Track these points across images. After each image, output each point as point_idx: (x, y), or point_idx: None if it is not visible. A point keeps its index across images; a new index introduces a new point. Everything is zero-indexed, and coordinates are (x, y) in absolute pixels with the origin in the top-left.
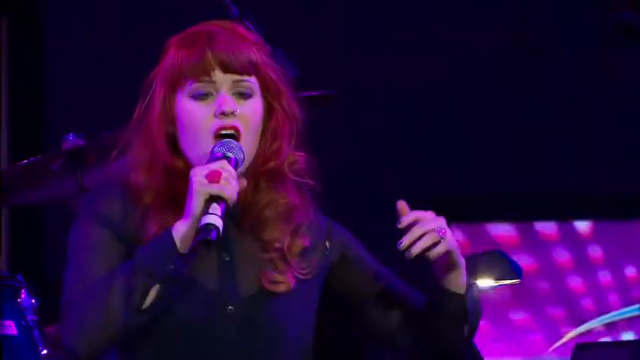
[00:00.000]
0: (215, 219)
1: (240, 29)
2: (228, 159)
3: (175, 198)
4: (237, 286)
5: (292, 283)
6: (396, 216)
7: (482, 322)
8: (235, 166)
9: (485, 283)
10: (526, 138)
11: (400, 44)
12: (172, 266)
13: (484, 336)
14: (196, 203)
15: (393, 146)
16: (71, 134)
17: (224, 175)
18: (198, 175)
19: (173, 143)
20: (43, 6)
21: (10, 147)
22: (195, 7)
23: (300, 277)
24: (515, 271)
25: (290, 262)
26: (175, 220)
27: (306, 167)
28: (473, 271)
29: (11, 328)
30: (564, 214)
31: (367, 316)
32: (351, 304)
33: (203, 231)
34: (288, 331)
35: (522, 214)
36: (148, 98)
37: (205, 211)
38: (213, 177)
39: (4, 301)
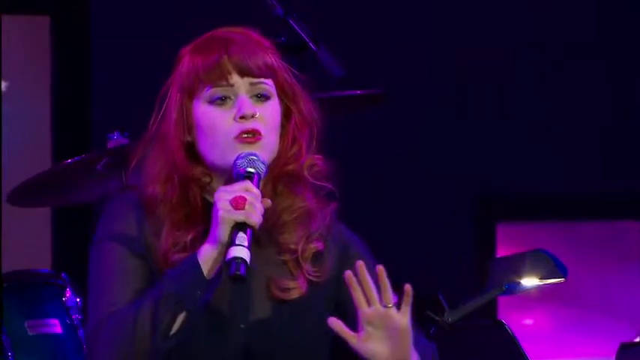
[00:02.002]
0: (242, 251)
1: (254, 35)
2: (251, 176)
3: (189, 213)
4: (248, 301)
5: (304, 288)
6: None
7: (534, 321)
8: (258, 182)
9: (529, 282)
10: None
11: (436, 41)
12: (199, 293)
13: (536, 335)
14: (223, 231)
15: (432, 144)
16: (116, 133)
17: (249, 199)
18: (223, 201)
19: (190, 152)
20: (86, 4)
21: (55, 146)
22: (241, 6)
23: (312, 279)
24: (560, 270)
25: (302, 265)
26: (188, 236)
27: (325, 170)
28: (517, 271)
29: (56, 326)
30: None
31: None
32: (352, 317)
33: (232, 265)
34: (302, 340)
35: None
36: (163, 108)
37: (232, 241)
38: (238, 203)
39: (49, 299)
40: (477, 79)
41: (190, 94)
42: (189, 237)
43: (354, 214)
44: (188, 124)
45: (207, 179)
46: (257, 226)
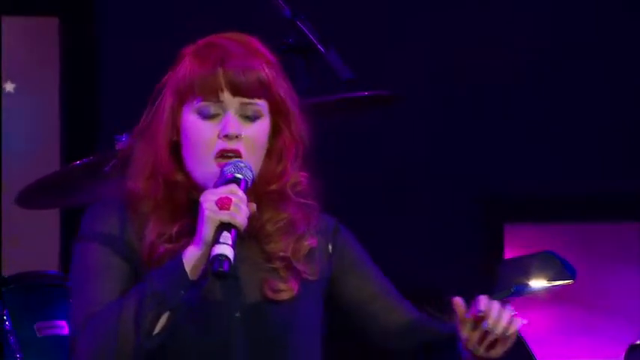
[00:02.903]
0: (226, 249)
1: (255, 43)
2: (238, 181)
3: (174, 209)
4: (241, 294)
5: (296, 289)
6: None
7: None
8: (245, 188)
9: (537, 284)
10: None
11: (444, 42)
12: (183, 293)
13: (538, 337)
14: (207, 231)
15: (441, 145)
16: (124, 134)
17: (234, 200)
18: (209, 202)
19: (176, 152)
20: (94, 5)
21: (63, 147)
22: (249, 8)
23: (307, 278)
24: (568, 271)
25: (295, 267)
26: (174, 229)
27: (308, 188)
28: (525, 272)
29: (64, 328)
30: None
31: (365, 321)
32: (349, 308)
33: (215, 262)
34: (295, 335)
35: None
36: (156, 105)
37: (216, 240)
38: (224, 204)
39: (56, 301)
40: (481, 79)
41: (182, 99)
42: (175, 229)
43: (359, 216)
44: (177, 126)
45: (188, 178)
46: (242, 228)
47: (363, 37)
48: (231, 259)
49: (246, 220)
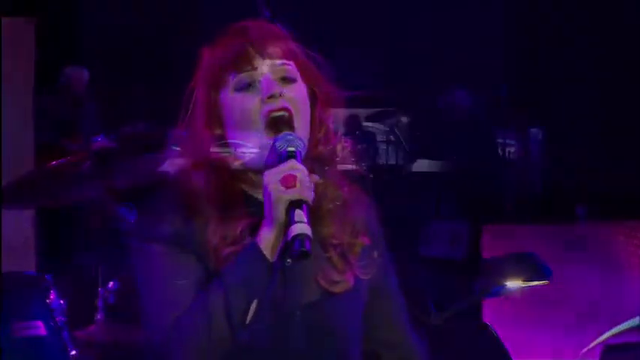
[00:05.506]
0: (303, 227)
1: (272, 25)
2: (293, 154)
3: (231, 205)
4: (300, 290)
5: (351, 282)
6: None
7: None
8: (301, 159)
9: (514, 284)
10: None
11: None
12: (267, 277)
13: (518, 336)
14: (278, 212)
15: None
16: (100, 135)
17: (298, 176)
18: (274, 183)
19: (222, 145)
20: (70, 7)
21: (38, 148)
22: (232, 8)
23: (361, 276)
24: (544, 272)
25: (351, 261)
26: (237, 230)
27: (354, 154)
28: (502, 273)
29: (40, 328)
30: None
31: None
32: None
33: (296, 242)
34: (349, 332)
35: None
36: (191, 106)
37: (291, 220)
38: (288, 182)
39: (33, 301)
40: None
41: (216, 86)
42: (239, 230)
43: None
44: (217, 117)
45: (241, 168)
46: (310, 201)
47: (365, 36)
48: (310, 236)
49: (312, 193)
